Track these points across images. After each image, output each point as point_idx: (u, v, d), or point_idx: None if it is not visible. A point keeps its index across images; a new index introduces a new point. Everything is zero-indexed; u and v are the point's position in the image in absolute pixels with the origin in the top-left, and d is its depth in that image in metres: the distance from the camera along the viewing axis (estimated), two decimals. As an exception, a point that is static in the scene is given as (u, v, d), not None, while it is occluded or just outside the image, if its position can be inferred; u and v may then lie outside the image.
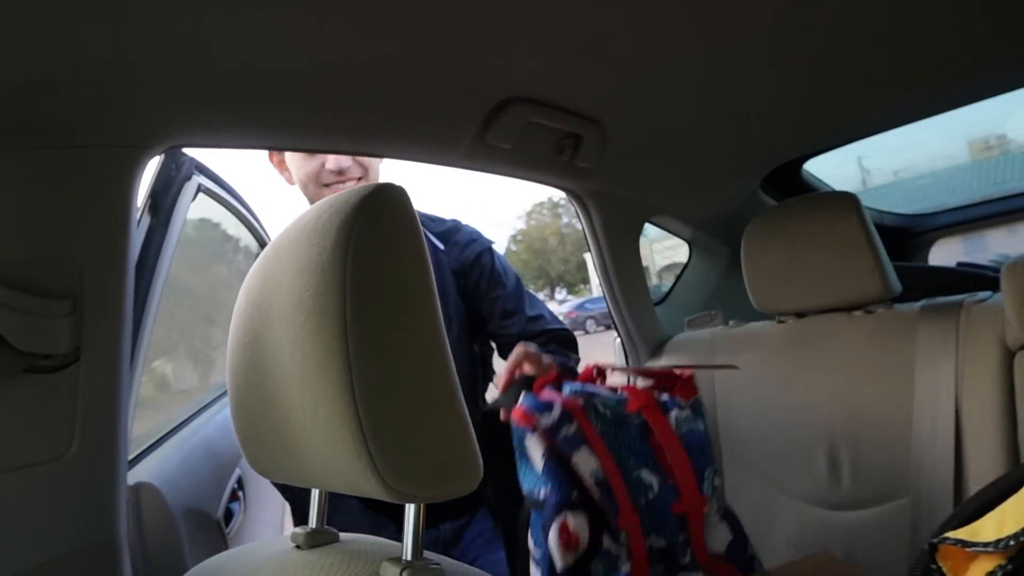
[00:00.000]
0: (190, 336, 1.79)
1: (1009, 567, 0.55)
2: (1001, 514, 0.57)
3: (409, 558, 0.51)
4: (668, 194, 1.59)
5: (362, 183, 0.99)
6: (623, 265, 1.55)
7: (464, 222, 1.44)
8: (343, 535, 0.65)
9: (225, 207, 1.35)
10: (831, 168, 1.97)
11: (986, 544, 0.56)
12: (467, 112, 1.00)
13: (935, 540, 0.61)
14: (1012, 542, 0.53)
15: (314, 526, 0.64)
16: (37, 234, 0.68)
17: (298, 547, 0.63)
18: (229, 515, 1.26)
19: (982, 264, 1.71)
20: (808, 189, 1.90)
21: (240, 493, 1.34)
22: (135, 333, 0.88)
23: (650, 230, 1.73)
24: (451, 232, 1.39)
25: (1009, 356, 1.06)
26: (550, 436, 0.76)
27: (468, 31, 0.78)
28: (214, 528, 1.17)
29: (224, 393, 1.57)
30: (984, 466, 1.02)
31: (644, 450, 0.80)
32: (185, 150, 1.00)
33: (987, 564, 0.57)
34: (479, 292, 1.35)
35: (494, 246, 1.41)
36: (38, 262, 0.68)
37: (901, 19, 0.96)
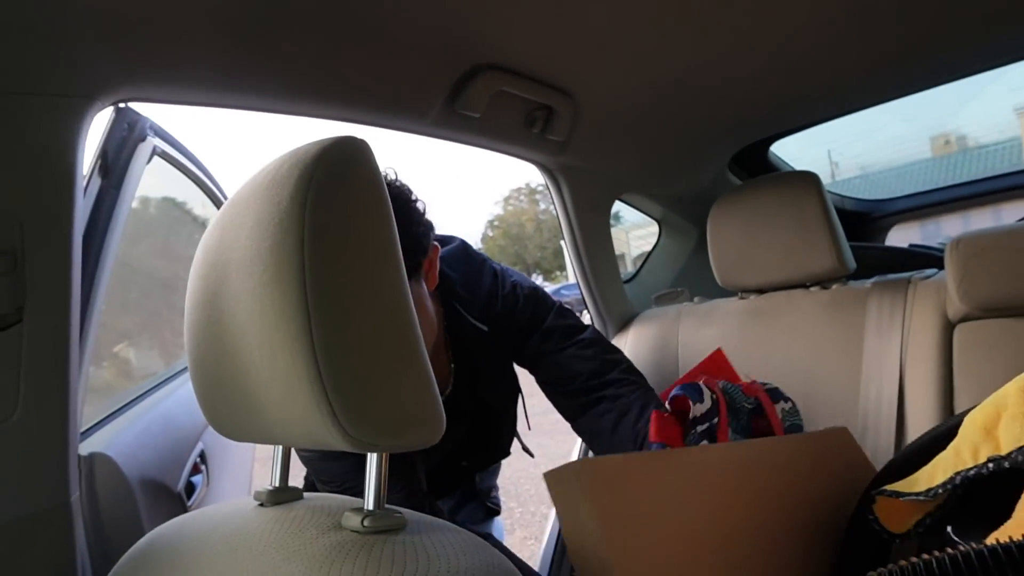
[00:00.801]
0: (154, 322, 1.74)
1: (937, 514, 0.59)
2: (933, 467, 0.60)
3: (371, 507, 0.51)
4: (639, 171, 1.60)
5: None
6: (593, 241, 1.56)
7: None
8: (307, 493, 0.64)
9: (184, 174, 1.31)
10: (799, 154, 2.01)
11: (918, 494, 0.59)
12: (437, 77, 0.99)
13: (873, 492, 0.64)
14: (941, 490, 0.57)
15: (277, 484, 0.63)
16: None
17: (261, 504, 0.62)
18: (191, 488, 1.24)
19: (932, 246, 1.77)
20: (774, 170, 1.93)
21: (203, 467, 1.32)
22: (85, 298, 0.86)
23: (627, 218, 1.75)
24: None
25: (950, 328, 1.10)
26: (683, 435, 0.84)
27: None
28: (175, 501, 1.15)
29: (186, 368, 1.54)
30: (923, 429, 1.07)
31: (747, 433, 0.90)
32: (141, 111, 0.97)
33: (918, 513, 0.60)
34: None
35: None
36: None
37: (865, 2, 0.98)
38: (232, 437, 0.62)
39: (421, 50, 0.92)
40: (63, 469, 0.72)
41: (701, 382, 0.90)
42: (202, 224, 1.78)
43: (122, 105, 0.77)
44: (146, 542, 0.64)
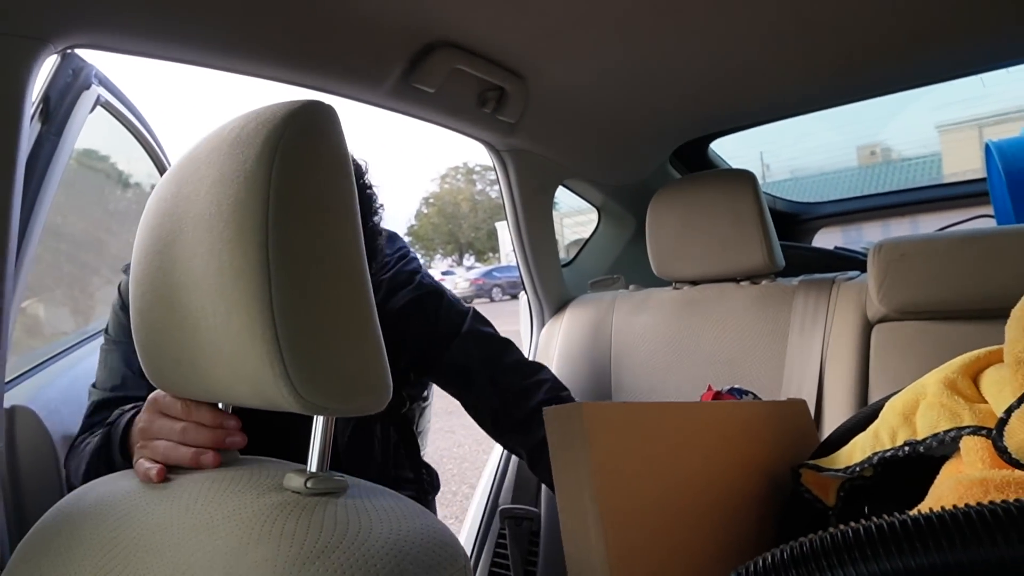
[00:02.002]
0: (65, 280, 1.67)
1: (859, 482, 0.64)
2: (852, 446, 0.65)
3: (314, 470, 0.52)
4: (583, 158, 1.64)
5: None
6: (535, 224, 1.59)
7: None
8: (246, 457, 0.64)
9: (126, 127, 1.26)
10: (733, 155, 2.09)
11: (837, 470, 0.64)
12: (394, 49, 0.99)
13: (797, 466, 0.68)
14: (858, 468, 0.62)
15: None
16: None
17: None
18: (113, 448, 1.21)
19: (856, 249, 1.88)
20: (713, 167, 2.00)
21: (126, 426, 1.29)
22: (17, 248, 0.83)
23: (562, 204, 1.77)
24: None
25: (868, 327, 1.18)
26: None
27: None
28: (96, 459, 1.13)
29: (111, 325, 1.49)
30: (838, 421, 1.14)
31: None
32: (87, 58, 0.93)
33: (838, 486, 0.66)
34: None
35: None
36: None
37: (805, 13, 1.03)
38: (171, 391, 0.62)
39: (380, 21, 0.92)
40: None
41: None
42: (124, 182, 1.71)
43: (69, 51, 0.74)
44: (76, 496, 0.63)
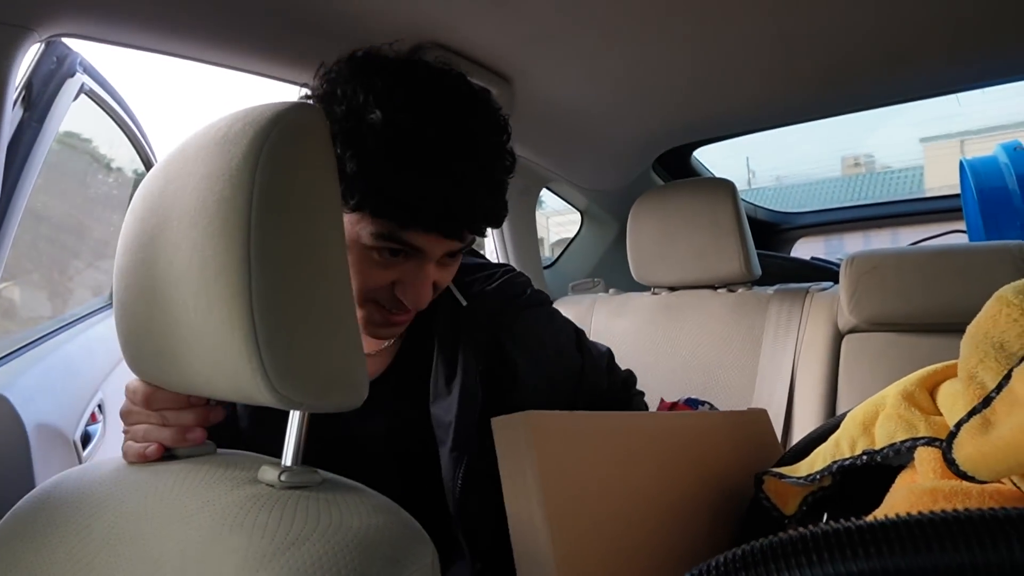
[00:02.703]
0: (43, 263, 1.65)
1: (819, 494, 0.66)
2: (814, 455, 0.67)
3: (289, 463, 0.53)
4: (567, 162, 1.65)
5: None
6: (518, 226, 1.61)
7: None
8: (223, 450, 0.65)
9: (110, 116, 1.25)
10: (720, 161, 2.12)
11: (798, 478, 0.65)
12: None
13: (760, 473, 0.70)
14: (819, 476, 0.63)
15: None
16: None
17: (172, 456, 0.63)
18: (87, 438, 1.21)
19: (831, 260, 1.92)
20: (695, 175, 2.03)
21: (101, 417, 1.28)
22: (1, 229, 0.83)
23: (548, 205, 1.79)
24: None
25: (839, 338, 1.21)
26: None
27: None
28: (70, 449, 1.12)
29: (89, 314, 1.49)
30: (806, 431, 1.16)
31: None
32: (72, 46, 0.93)
33: (803, 493, 0.67)
34: None
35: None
36: None
37: (788, 27, 1.05)
38: (153, 383, 0.62)
39: (367, 19, 0.92)
40: None
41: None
42: (106, 165, 1.70)
43: (53, 39, 0.74)
44: (52, 483, 0.63)
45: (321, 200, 0.50)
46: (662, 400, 0.96)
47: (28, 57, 0.74)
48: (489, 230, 1.43)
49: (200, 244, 0.48)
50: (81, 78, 0.96)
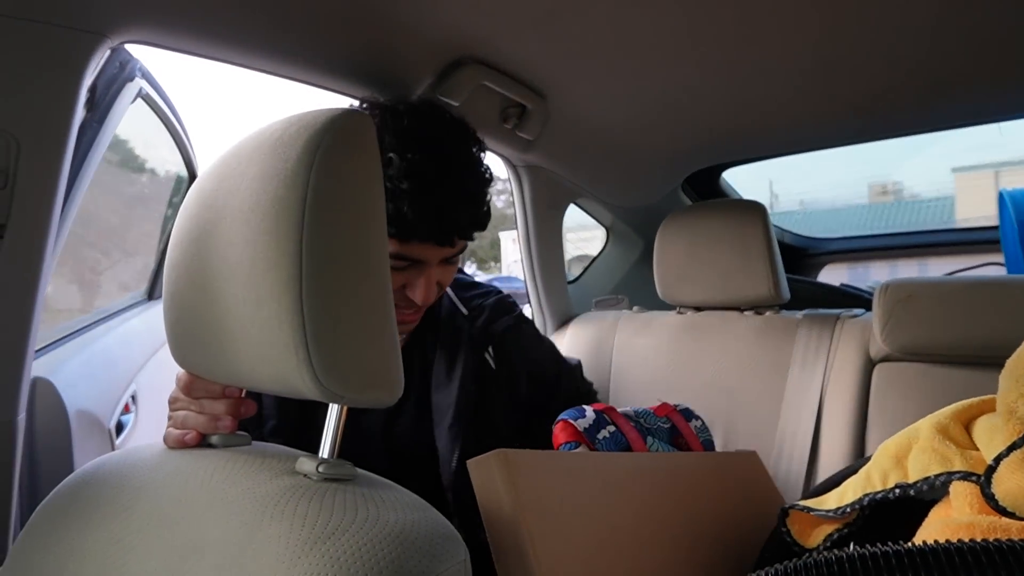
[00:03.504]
0: (73, 257, 1.69)
1: (845, 531, 0.65)
2: (843, 489, 0.66)
3: (326, 456, 0.54)
4: (597, 178, 1.67)
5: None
6: (545, 240, 1.62)
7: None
8: (257, 442, 0.67)
9: (161, 120, 1.30)
10: (743, 184, 2.12)
11: (827, 511, 0.65)
12: (424, 62, 1.03)
13: (786, 507, 0.69)
14: (849, 509, 0.63)
15: None
16: (-26, 102, 0.66)
17: (211, 445, 0.65)
18: (120, 427, 1.24)
19: (862, 288, 1.90)
20: (724, 195, 2.03)
21: (134, 407, 1.32)
22: (58, 225, 0.86)
23: (568, 219, 1.80)
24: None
25: (870, 366, 1.20)
26: (590, 442, 0.81)
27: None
28: (105, 436, 1.15)
29: (128, 307, 1.53)
30: (833, 461, 1.16)
31: (672, 449, 0.91)
32: (132, 52, 0.97)
33: (828, 528, 0.66)
34: None
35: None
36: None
37: (825, 52, 1.06)
38: (196, 372, 0.65)
39: (414, 34, 0.95)
40: (15, 388, 0.73)
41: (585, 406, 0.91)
42: (140, 166, 1.74)
43: (121, 45, 0.79)
44: (94, 466, 0.66)
45: (369, 203, 0.52)
46: (663, 403, 0.96)
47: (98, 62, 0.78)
48: (516, 244, 1.49)
49: (253, 240, 0.50)
50: (139, 82, 1.01)
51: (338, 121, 0.51)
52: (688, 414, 0.96)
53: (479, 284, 1.15)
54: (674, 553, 0.72)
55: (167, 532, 0.53)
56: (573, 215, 1.99)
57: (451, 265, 0.95)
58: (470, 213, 0.90)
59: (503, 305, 1.09)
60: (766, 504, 0.79)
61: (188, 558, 0.49)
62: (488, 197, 0.94)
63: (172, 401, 0.69)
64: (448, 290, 1.06)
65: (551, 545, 0.61)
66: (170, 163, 1.69)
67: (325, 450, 0.55)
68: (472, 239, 0.95)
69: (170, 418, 0.68)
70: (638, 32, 0.99)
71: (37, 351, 1.02)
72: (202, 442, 0.65)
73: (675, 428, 0.93)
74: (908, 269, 2.29)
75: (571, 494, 0.66)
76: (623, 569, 0.67)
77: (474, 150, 0.93)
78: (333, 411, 0.55)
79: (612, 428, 0.84)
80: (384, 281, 0.53)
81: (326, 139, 0.49)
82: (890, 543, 0.46)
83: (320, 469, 0.53)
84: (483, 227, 0.94)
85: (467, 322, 1.04)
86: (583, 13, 0.93)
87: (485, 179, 0.94)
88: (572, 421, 0.83)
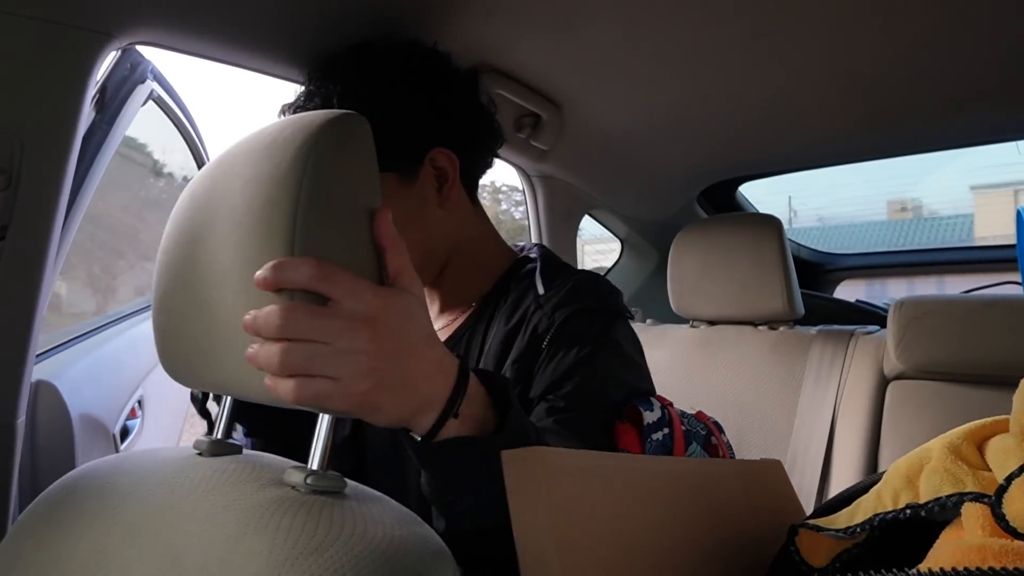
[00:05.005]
0: (83, 258, 1.70)
1: (855, 551, 0.63)
2: (854, 507, 0.64)
3: (315, 467, 0.53)
4: (611, 190, 1.65)
5: None
6: (560, 250, 1.60)
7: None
8: (248, 452, 0.66)
9: (174, 123, 1.31)
10: (762, 198, 2.09)
11: (837, 530, 0.63)
12: None
13: (795, 524, 0.67)
14: (859, 529, 0.60)
15: (220, 436, 0.64)
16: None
17: (200, 454, 0.63)
18: (125, 432, 1.24)
19: (877, 304, 1.87)
20: (740, 209, 2.01)
21: (140, 412, 1.32)
22: (62, 227, 0.86)
23: (585, 232, 1.79)
24: None
25: (884, 383, 1.17)
26: (643, 441, 0.81)
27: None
28: (109, 442, 1.15)
29: (136, 312, 1.53)
30: (845, 478, 1.14)
31: (706, 454, 0.91)
32: (145, 53, 0.97)
33: (837, 548, 0.64)
34: None
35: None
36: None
37: (844, 67, 1.04)
38: (183, 383, 0.63)
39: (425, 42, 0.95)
40: (15, 391, 0.72)
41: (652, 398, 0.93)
42: (157, 171, 1.75)
43: (130, 46, 0.79)
44: (80, 473, 0.65)
45: (362, 206, 0.50)
46: (699, 411, 0.95)
47: (105, 62, 0.78)
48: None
49: (244, 244, 0.49)
50: (151, 85, 1.01)
51: (333, 123, 0.49)
52: (720, 427, 0.96)
53: (574, 269, 0.94)
54: (693, 562, 0.70)
55: (148, 542, 0.52)
56: (588, 227, 1.98)
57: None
58: None
59: (582, 288, 0.85)
60: (788, 516, 0.77)
61: (167, 571, 0.48)
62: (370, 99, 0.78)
63: None
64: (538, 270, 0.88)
65: (577, 554, 0.59)
66: (188, 168, 1.69)
67: (315, 461, 0.53)
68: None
69: None
70: (654, 44, 0.98)
71: (42, 354, 1.02)
72: (192, 449, 0.64)
73: (711, 435, 0.92)
74: (926, 286, 2.25)
75: (602, 500, 0.65)
76: (646, 570, 0.65)
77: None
78: (324, 421, 0.53)
79: (666, 431, 0.83)
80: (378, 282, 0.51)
81: (320, 141, 0.48)
82: (895, 569, 0.44)
83: (308, 481, 0.52)
84: None
85: (534, 304, 0.83)
86: (599, 23, 0.92)
87: (360, 77, 0.81)
88: (642, 410, 0.82)
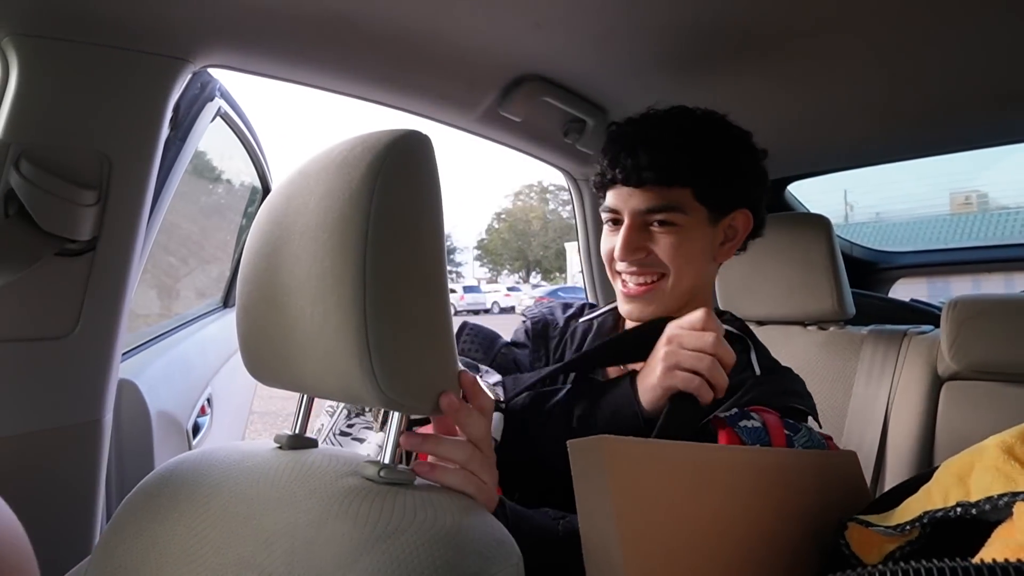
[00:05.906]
0: (152, 263, 1.78)
1: (907, 548, 0.63)
2: (905, 505, 0.65)
3: (387, 461, 0.57)
4: (657, 191, 1.66)
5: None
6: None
7: None
8: (322, 447, 0.70)
9: (238, 136, 1.38)
10: (817, 196, 2.06)
11: (887, 527, 0.63)
12: (487, 80, 1.06)
13: (845, 520, 0.68)
14: (909, 527, 0.61)
15: (297, 431, 0.69)
16: (74, 124, 0.72)
17: (280, 447, 0.68)
18: (196, 429, 1.31)
19: (932, 303, 1.82)
20: (789, 209, 1.99)
21: (209, 409, 1.39)
22: (144, 236, 0.93)
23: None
24: None
25: (938, 384, 1.16)
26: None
27: (501, 2, 0.84)
28: (183, 437, 1.22)
29: (205, 314, 1.61)
30: (898, 479, 1.11)
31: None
32: (213, 74, 1.04)
33: (889, 545, 0.65)
34: None
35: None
36: (72, 151, 0.72)
37: (893, 64, 1.04)
38: (265, 382, 0.68)
39: (475, 54, 0.98)
40: (103, 389, 0.79)
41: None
42: (216, 178, 1.82)
43: (203, 69, 0.85)
44: (172, 465, 0.70)
45: (429, 219, 0.54)
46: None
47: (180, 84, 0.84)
48: (575, 249, 1.48)
49: (320, 257, 0.53)
50: (219, 102, 1.07)
51: (399, 143, 0.53)
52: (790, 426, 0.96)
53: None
54: (759, 554, 0.70)
55: (240, 526, 0.57)
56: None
57: (663, 231, 0.88)
58: (665, 154, 0.86)
59: (783, 382, 0.94)
60: (855, 508, 0.77)
61: (259, 551, 0.53)
62: (709, 145, 0.90)
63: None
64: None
65: (641, 540, 0.61)
66: (244, 174, 1.76)
67: (387, 456, 0.57)
68: (672, 184, 0.87)
69: None
70: (698, 46, 0.99)
71: (125, 353, 1.10)
72: (273, 445, 0.69)
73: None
74: (993, 284, 2.17)
75: (667, 490, 0.65)
76: (713, 564, 0.65)
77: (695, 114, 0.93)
78: (394, 419, 0.57)
79: (755, 420, 0.83)
80: (441, 295, 0.55)
81: (388, 160, 0.52)
82: (947, 559, 0.45)
83: (381, 473, 0.56)
84: (683, 175, 0.87)
85: (753, 381, 0.90)
86: (642, 29, 0.94)
87: (695, 126, 0.91)
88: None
